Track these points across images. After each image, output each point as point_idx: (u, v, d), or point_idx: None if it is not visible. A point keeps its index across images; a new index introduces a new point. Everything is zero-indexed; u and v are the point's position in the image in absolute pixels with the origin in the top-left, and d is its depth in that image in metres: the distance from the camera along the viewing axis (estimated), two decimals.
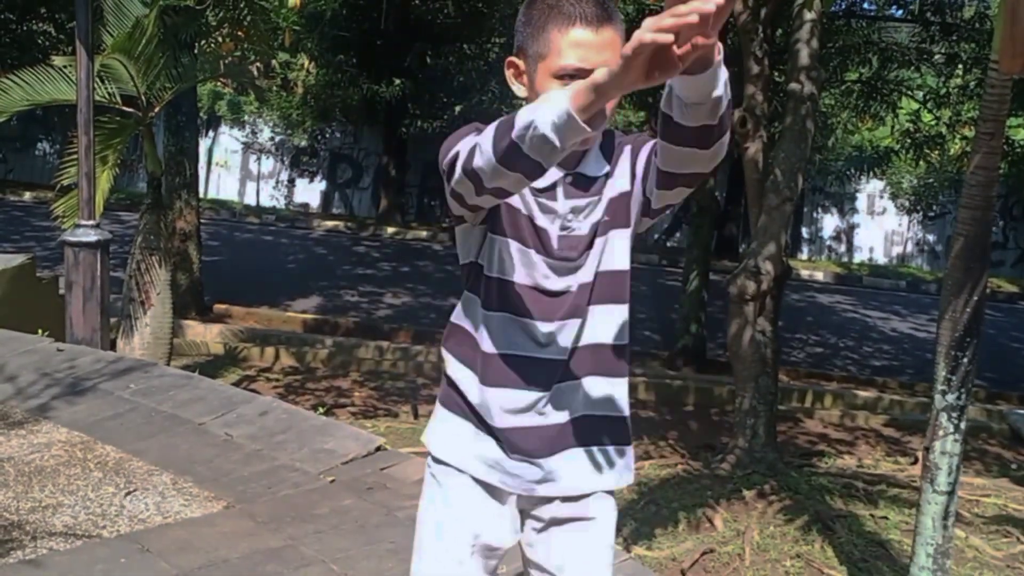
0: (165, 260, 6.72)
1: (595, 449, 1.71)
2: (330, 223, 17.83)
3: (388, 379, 8.12)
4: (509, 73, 1.67)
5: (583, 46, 1.53)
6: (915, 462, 5.77)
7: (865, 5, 12.61)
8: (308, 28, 13.47)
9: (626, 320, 1.72)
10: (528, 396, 1.67)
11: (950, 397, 3.01)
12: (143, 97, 6.54)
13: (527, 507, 1.75)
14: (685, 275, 9.84)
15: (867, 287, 16.62)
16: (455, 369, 1.74)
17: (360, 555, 3.07)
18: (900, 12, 11.87)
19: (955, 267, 3.01)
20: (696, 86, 1.31)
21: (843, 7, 10.95)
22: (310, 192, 20.14)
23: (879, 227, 19.55)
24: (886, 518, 4.46)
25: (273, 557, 3.02)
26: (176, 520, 3.28)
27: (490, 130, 1.44)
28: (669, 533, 4.25)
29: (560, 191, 1.64)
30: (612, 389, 1.71)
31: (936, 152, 12.36)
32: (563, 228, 1.65)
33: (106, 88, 6.47)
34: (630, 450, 1.77)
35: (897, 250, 19.58)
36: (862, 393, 8.75)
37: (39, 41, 16.06)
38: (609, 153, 1.67)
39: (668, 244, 18.60)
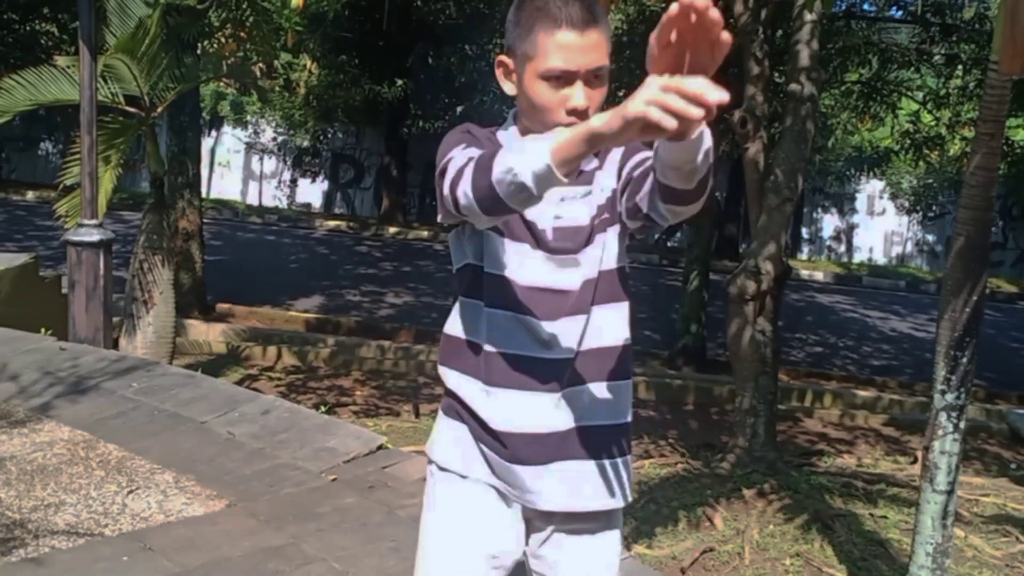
0: (168, 260, 6.73)
1: (595, 464, 1.68)
2: (332, 223, 17.86)
3: (390, 378, 8.13)
4: (499, 72, 1.68)
5: (569, 48, 1.54)
6: (914, 461, 5.77)
7: (865, 6, 12.67)
8: (310, 29, 13.47)
9: (628, 319, 1.71)
10: (533, 399, 1.64)
11: (949, 397, 3.02)
12: (146, 97, 6.56)
13: (532, 517, 1.73)
14: (685, 275, 9.87)
15: (867, 287, 16.63)
16: (454, 380, 1.71)
17: (362, 553, 3.08)
18: (900, 13, 11.90)
19: (954, 267, 3.01)
20: (673, 151, 1.33)
21: (843, 8, 10.97)
22: (312, 192, 20.18)
23: (879, 227, 19.57)
24: (885, 517, 4.46)
25: (275, 555, 3.03)
26: (178, 518, 3.28)
27: (469, 171, 1.46)
28: (669, 532, 4.25)
29: None
30: (618, 393, 1.69)
31: (936, 153, 12.39)
32: (556, 217, 1.64)
33: (109, 88, 6.48)
34: (630, 460, 1.75)
35: (897, 250, 19.60)
36: (862, 393, 8.76)
37: (42, 41, 16.13)
38: None
39: (668, 244, 18.62)
